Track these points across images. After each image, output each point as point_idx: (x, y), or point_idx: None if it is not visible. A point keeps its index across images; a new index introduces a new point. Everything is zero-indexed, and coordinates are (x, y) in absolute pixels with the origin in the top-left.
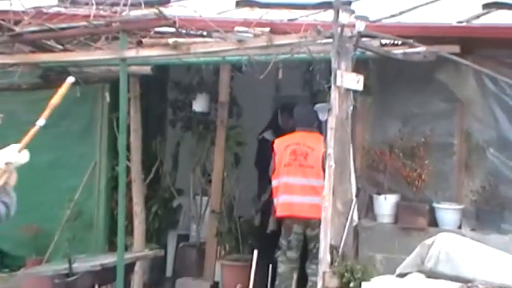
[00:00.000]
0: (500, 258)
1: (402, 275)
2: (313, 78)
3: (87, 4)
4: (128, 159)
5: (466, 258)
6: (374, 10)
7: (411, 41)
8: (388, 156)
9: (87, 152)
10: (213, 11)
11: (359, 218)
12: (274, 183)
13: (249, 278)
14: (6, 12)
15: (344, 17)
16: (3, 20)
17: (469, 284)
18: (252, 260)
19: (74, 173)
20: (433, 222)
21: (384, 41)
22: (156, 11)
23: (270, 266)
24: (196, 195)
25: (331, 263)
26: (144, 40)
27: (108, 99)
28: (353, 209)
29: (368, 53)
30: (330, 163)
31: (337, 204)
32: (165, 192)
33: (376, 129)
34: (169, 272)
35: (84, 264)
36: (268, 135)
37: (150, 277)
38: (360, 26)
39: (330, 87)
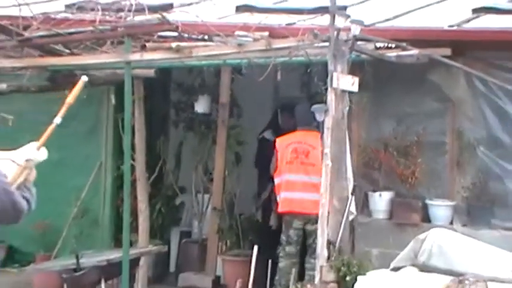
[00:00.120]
0: (491, 253)
1: (396, 269)
2: (310, 80)
3: (93, 10)
4: (133, 159)
5: (457, 253)
6: (369, 15)
7: (404, 44)
8: (382, 154)
9: (93, 151)
10: (214, 16)
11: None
12: (276, 180)
13: (249, 273)
14: (15, 17)
15: (340, 22)
16: (13, 25)
17: (461, 277)
18: (252, 256)
19: (81, 172)
20: (426, 218)
21: (378, 44)
22: (160, 16)
23: (270, 261)
24: (198, 193)
25: (328, 257)
26: (148, 44)
27: (113, 101)
28: (349, 205)
29: (363, 55)
30: (327, 162)
31: (334, 201)
32: (168, 190)
33: (371, 128)
34: (172, 267)
35: (91, 259)
36: (268, 134)
37: (154, 272)
38: (355, 30)
39: (326, 89)
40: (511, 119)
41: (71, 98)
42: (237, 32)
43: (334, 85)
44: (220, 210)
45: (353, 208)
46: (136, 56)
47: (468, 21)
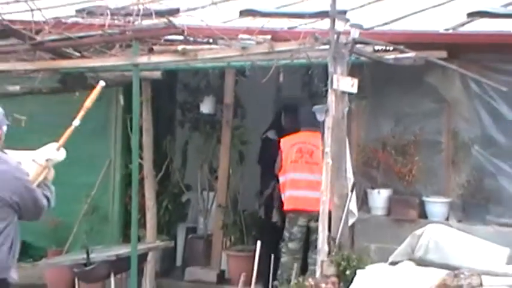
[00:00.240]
0: (485, 247)
1: (394, 263)
2: (311, 82)
3: (102, 14)
4: (141, 158)
5: (453, 248)
6: (367, 18)
7: (402, 47)
8: (381, 153)
9: (102, 150)
10: (219, 20)
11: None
12: (281, 179)
13: (253, 267)
14: (28, 22)
15: (340, 25)
16: (26, 29)
17: (456, 271)
18: (255, 251)
19: (91, 170)
20: (423, 214)
21: (376, 47)
22: (166, 20)
23: (272, 256)
24: (203, 190)
25: (329, 252)
26: (155, 47)
27: (122, 102)
28: (349, 203)
29: (362, 58)
30: (327, 160)
31: (334, 198)
32: (175, 187)
33: (370, 128)
34: (179, 262)
35: (100, 254)
36: (271, 134)
37: (162, 266)
38: (355, 33)
39: (327, 90)
40: (504, 119)
41: (89, 102)
42: (241, 36)
43: (334, 86)
44: (224, 207)
45: (354, 209)
46: (144, 59)
47: (463, 24)
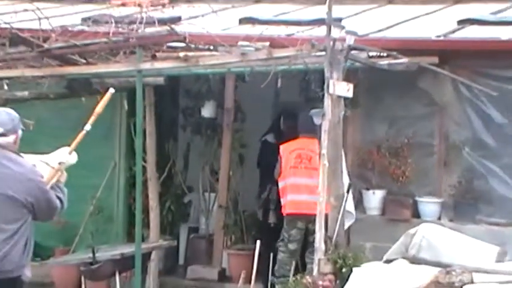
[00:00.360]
0: (475, 246)
1: (389, 261)
2: (308, 86)
3: (107, 23)
4: (144, 160)
5: (445, 246)
6: (362, 26)
7: (395, 53)
8: (375, 155)
9: (107, 153)
10: (219, 27)
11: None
12: (280, 184)
13: (253, 265)
14: (36, 30)
15: (335, 32)
16: (34, 37)
17: (448, 269)
18: (255, 250)
19: (96, 172)
20: (416, 214)
21: (371, 53)
22: (169, 28)
23: (272, 254)
24: (205, 191)
25: (326, 251)
26: (158, 54)
27: (126, 106)
28: (345, 203)
29: (357, 64)
30: (324, 162)
31: (331, 199)
32: (177, 189)
33: (365, 131)
34: (181, 260)
35: (106, 253)
36: (270, 138)
37: (165, 264)
38: (350, 40)
39: (323, 95)
40: (494, 122)
41: (99, 107)
42: (240, 42)
43: (331, 91)
44: (225, 208)
45: (352, 210)
46: (147, 65)
47: (454, 31)
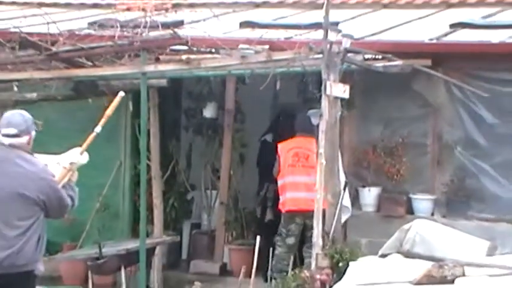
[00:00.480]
0: (467, 240)
1: (384, 256)
2: (306, 88)
3: (112, 27)
4: (148, 159)
5: (438, 241)
6: (358, 29)
7: (390, 55)
8: (371, 154)
9: (113, 153)
10: (220, 31)
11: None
12: (279, 182)
13: (253, 260)
14: (44, 34)
15: (332, 36)
16: (42, 41)
17: (441, 263)
18: (255, 245)
19: (102, 171)
20: (410, 211)
21: (366, 56)
22: (172, 32)
23: (271, 249)
24: (206, 189)
25: (323, 246)
26: (161, 57)
27: (131, 107)
28: (342, 200)
29: (353, 66)
30: (321, 161)
31: (328, 196)
32: (180, 187)
33: (361, 131)
34: (184, 255)
35: (111, 248)
36: (268, 138)
37: (168, 259)
38: (346, 43)
39: (320, 96)
40: (485, 122)
41: (110, 110)
42: (241, 46)
43: (328, 92)
44: (226, 205)
45: (349, 205)
46: (151, 68)
47: (446, 35)
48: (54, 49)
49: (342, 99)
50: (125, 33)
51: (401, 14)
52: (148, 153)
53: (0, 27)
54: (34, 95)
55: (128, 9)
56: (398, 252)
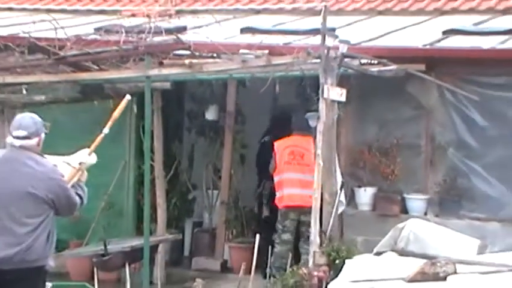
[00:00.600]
0: (459, 239)
1: (379, 254)
2: (304, 91)
3: (118, 32)
4: (152, 160)
5: (431, 239)
6: (354, 35)
7: (385, 60)
8: (367, 155)
9: (118, 153)
10: (221, 36)
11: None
12: (276, 179)
13: (253, 257)
14: (52, 39)
15: (330, 41)
16: (50, 45)
17: (433, 260)
18: (254, 243)
19: (108, 171)
20: (404, 210)
21: (362, 61)
22: (175, 37)
23: (270, 247)
24: (208, 189)
25: (321, 244)
26: (165, 61)
27: (135, 110)
28: (338, 198)
29: (350, 70)
30: (319, 161)
31: (325, 195)
32: (183, 186)
33: (357, 133)
34: (186, 252)
35: (116, 246)
36: (267, 139)
37: (171, 256)
38: (343, 49)
39: (318, 99)
40: (476, 125)
41: (117, 112)
42: (241, 50)
43: (325, 96)
44: (227, 204)
45: (343, 200)
46: (155, 71)
47: (439, 41)
48: (61, 53)
49: (339, 102)
50: (130, 38)
51: (396, 20)
52: (152, 154)
53: (10, 33)
54: (42, 97)
55: (133, 16)
56: (392, 250)
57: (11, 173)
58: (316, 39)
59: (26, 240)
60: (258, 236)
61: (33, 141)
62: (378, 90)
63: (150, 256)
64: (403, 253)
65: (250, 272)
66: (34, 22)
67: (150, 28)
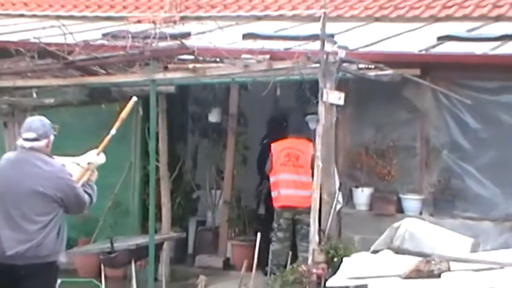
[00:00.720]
0: (452, 238)
1: (375, 252)
2: (304, 95)
3: (124, 38)
4: (157, 161)
5: (426, 238)
6: (352, 41)
7: (382, 65)
8: (364, 156)
9: (124, 154)
10: (224, 42)
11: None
12: (272, 179)
13: (254, 255)
14: (61, 44)
15: (328, 47)
16: (59, 50)
17: (428, 258)
18: (256, 241)
19: (114, 171)
20: (400, 209)
21: (360, 65)
22: (179, 42)
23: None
24: (211, 188)
25: (319, 242)
26: (169, 65)
27: (141, 112)
28: (336, 199)
29: (348, 75)
30: (318, 163)
31: (324, 195)
32: (187, 186)
33: (355, 135)
34: (190, 250)
35: (123, 243)
36: (266, 141)
37: (175, 254)
38: (341, 54)
39: (317, 102)
40: (469, 127)
41: (124, 114)
42: (243, 55)
43: (324, 99)
44: (229, 203)
45: (340, 199)
46: (160, 75)
47: (434, 46)
48: (70, 58)
49: (338, 106)
50: (136, 43)
51: (392, 27)
52: (157, 155)
53: (21, 38)
54: (52, 100)
55: (139, 22)
56: (389, 249)
57: (21, 174)
58: (315, 45)
59: (37, 237)
60: (259, 234)
61: (42, 143)
62: (375, 94)
63: (155, 254)
64: (398, 251)
65: (251, 269)
66: (44, 28)
67: (156, 34)
